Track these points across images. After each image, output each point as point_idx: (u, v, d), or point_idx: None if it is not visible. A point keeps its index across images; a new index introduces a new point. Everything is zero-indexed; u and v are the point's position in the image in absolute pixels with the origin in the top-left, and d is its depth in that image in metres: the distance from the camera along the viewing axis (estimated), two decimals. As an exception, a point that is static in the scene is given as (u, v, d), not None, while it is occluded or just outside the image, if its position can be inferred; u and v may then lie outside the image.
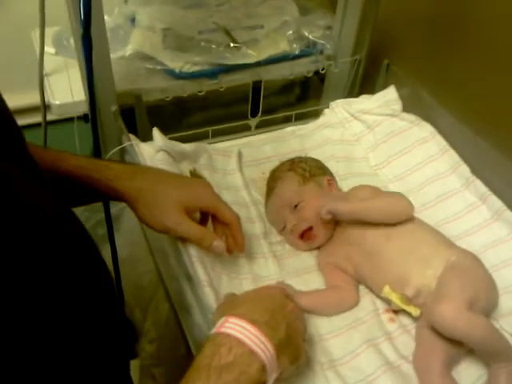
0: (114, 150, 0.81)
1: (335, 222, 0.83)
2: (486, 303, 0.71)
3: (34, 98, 1.11)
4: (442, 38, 1.02)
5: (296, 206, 0.82)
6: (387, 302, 0.76)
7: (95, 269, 0.49)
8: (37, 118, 1.15)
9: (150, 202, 0.66)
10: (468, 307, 0.65)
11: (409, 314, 0.74)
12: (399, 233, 0.78)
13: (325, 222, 0.81)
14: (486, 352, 0.66)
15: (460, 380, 0.67)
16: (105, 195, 0.69)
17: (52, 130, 1.15)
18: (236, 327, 0.53)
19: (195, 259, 0.71)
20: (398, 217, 0.79)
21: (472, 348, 0.67)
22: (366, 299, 0.79)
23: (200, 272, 0.70)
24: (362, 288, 0.80)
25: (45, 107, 1.07)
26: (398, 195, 0.83)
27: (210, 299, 0.68)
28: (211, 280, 0.71)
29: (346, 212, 0.79)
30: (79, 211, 1.01)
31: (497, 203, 0.87)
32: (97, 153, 0.83)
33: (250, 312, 0.55)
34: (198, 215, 0.76)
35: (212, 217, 0.74)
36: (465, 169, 0.93)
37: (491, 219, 0.87)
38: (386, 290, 0.74)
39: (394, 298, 0.73)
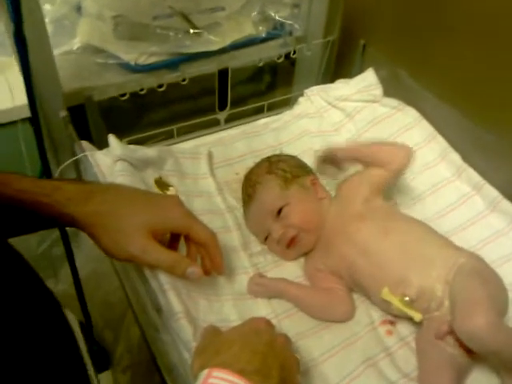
0: (65, 164, 0.71)
1: (323, 221, 0.75)
2: (504, 308, 0.65)
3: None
4: (422, 14, 0.93)
5: (279, 212, 0.74)
6: (385, 306, 0.69)
7: (38, 300, 0.44)
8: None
9: (110, 227, 0.57)
10: (501, 317, 0.59)
11: (409, 321, 0.68)
12: (398, 228, 0.71)
13: (312, 227, 0.74)
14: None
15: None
16: (58, 222, 0.58)
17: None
18: (222, 383, 0.44)
19: (167, 287, 0.61)
20: (400, 156, 0.74)
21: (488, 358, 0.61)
22: (361, 310, 0.72)
23: (174, 302, 0.61)
24: (355, 298, 0.73)
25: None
26: None
27: (188, 333, 0.59)
28: (187, 309, 0.62)
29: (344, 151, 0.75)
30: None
31: (492, 192, 0.80)
32: (44, 165, 0.72)
33: (237, 359, 0.47)
34: (167, 235, 0.67)
35: (185, 236, 0.64)
36: (455, 156, 0.86)
37: (487, 210, 0.80)
38: (386, 292, 0.67)
39: (395, 301, 0.66)
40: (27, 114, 0.87)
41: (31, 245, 0.89)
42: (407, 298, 0.65)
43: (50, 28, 1.04)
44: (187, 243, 0.65)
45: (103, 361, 0.95)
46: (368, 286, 0.70)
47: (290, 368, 0.51)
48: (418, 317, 0.65)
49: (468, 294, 0.62)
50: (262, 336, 0.52)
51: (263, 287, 0.70)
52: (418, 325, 0.68)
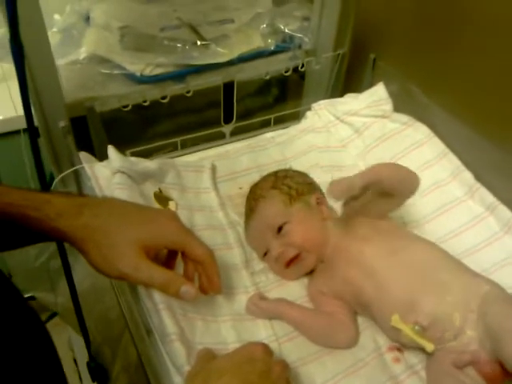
0: (60, 176, 0.69)
1: (327, 242, 0.72)
2: None
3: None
4: (434, 28, 0.91)
5: (280, 230, 0.71)
6: (394, 334, 0.65)
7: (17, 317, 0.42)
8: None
9: (100, 243, 0.54)
10: None
11: (421, 350, 0.64)
12: (406, 248, 0.68)
13: (313, 248, 0.71)
14: None
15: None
16: (48, 236, 0.56)
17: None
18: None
19: (162, 306, 0.59)
20: (410, 182, 0.69)
21: None
22: (366, 335, 0.68)
23: (167, 322, 0.58)
24: (361, 322, 0.69)
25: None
26: None
27: (181, 356, 0.56)
28: (182, 331, 0.59)
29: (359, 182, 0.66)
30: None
31: (506, 213, 0.77)
32: (40, 176, 0.70)
33: None
34: (164, 252, 0.64)
35: (182, 253, 0.62)
36: (467, 175, 0.82)
37: (501, 232, 0.77)
38: (396, 319, 0.63)
39: (406, 330, 0.62)
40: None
41: (29, 257, 0.87)
42: (418, 327, 0.61)
43: (57, 37, 1.05)
44: (184, 261, 0.62)
45: (101, 377, 0.92)
46: (375, 312, 0.66)
47: None
48: (430, 347, 0.61)
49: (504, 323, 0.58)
50: (255, 365, 0.49)
51: (262, 309, 0.67)
52: (428, 353, 0.64)
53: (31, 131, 0.69)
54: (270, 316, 0.68)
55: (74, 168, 0.69)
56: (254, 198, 0.76)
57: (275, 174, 0.79)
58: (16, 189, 0.56)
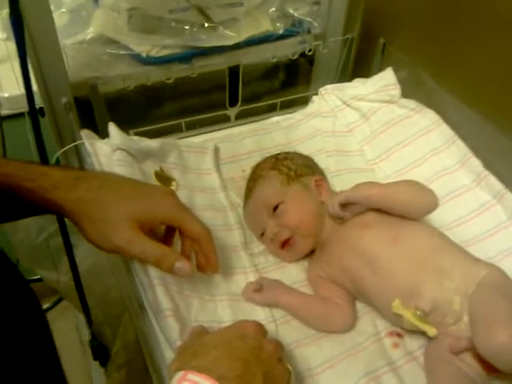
0: (59, 152, 0.68)
1: (324, 226, 0.70)
2: None
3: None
4: (445, 13, 0.88)
5: (275, 209, 0.70)
6: (395, 320, 0.64)
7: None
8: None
9: (95, 216, 0.54)
10: None
11: (418, 334, 0.63)
12: (407, 235, 0.66)
13: (308, 230, 0.70)
14: None
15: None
16: (43, 208, 0.56)
17: (7, 126, 1.02)
18: (196, 387, 0.40)
19: (156, 282, 0.58)
20: (424, 207, 0.67)
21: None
22: (365, 320, 0.67)
23: (162, 298, 0.57)
24: (360, 307, 0.68)
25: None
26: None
27: (174, 332, 0.55)
28: (177, 307, 0.59)
29: (364, 199, 0.66)
30: (33, 219, 0.89)
31: (515, 202, 0.75)
32: (42, 155, 0.70)
33: (216, 364, 0.43)
34: (162, 228, 0.63)
35: (179, 230, 0.61)
36: (476, 162, 0.80)
37: (508, 221, 0.75)
38: (397, 305, 0.62)
39: (407, 315, 0.61)
40: (37, 102, 0.86)
41: (32, 234, 0.87)
42: (420, 312, 0.60)
43: (66, 18, 1.04)
44: (182, 238, 0.62)
45: (103, 356, 0.93)
46: (375, 299, 0.65)
47: (277, 378, 0.48)
48: (432, 332, 0.60)
49: (490, 309, 0.57)
50: (247, 341, 0.48)
51: (257, 302, 0.66)
52: (427, 339, 0.63)
53: (31, 109, 0.69)
54: (266, 305, 0.67)
55: (74, 144, 0.69)
56: (253, 178, 0.76)
57: (276, 156, 0.78)
58: (14, 160, 0.56)
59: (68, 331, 1.45)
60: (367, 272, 0.64)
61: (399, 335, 0.65)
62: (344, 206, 0.67)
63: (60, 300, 1.46)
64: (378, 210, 0.68)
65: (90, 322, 0.94)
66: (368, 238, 0.66)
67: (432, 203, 0.67)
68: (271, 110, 0.99)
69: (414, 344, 0.64)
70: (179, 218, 0.58)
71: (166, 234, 0.63)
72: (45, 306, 1.44)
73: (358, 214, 0.68)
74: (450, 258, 0.63)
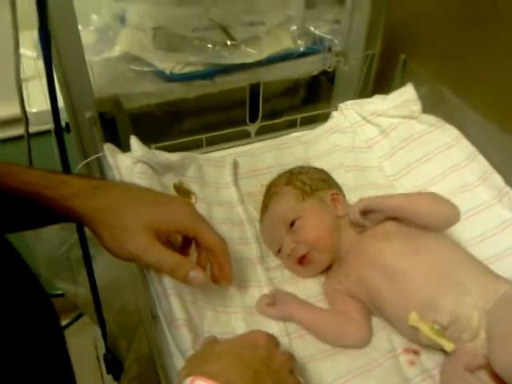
0: (83, 162, 0.70)
1: (341, 240, 0.70)
2: None
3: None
4: (466, 30, 0.88)
5: (292, 225, 0.70)
6: (412, 334, 0.63)
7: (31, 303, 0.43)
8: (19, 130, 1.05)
9: (112, 224, 0.55)
10: None
11: (435, 352, 0.62)
12: (428, 248, 0.65)
13: (325, 246, 0.69)
14: None
15: None
16: (62, 216, 0.57)
17: (34, 143, 1.05)
18: (203, 393, 0.40)
19: (171, 292, 0.59)
20: (446, 220, 0.67)
21: None
22: (381, 336, 0.66)
23: (176, 308, 0.58)
24: (376, 323, 0.67)
25: (26, 118, 0.97)
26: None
27: (187, 342, 0.56)
28: (191, 318, 0.59)
29: (387, 206, 0.67)
30: (55, 231, 0.91)
31: (536, 219, 0.73)
32: (65, 169, 0.72)
33: (226, 371, 0.44)
34: (179, 239, 0.64)
35: (195, 241, 0.62)
36: (497, 178, 0.79)
37: (530, 238, 0.73)
38: (414, 318, 0.61)
39: (424, 328, 0.60)
40: (64, 117, 0.89)
41: (53, 246, 0.89)
42: (437, 326, 0.59)
43: (94, 36, 1.08)
44: (198, 249, 0.62)
45: (116, 369, 0.93)
46: (392, 312, 0.64)
47: None
48: (450, 347, 0.59)
49: (508, 326, 0.56)
50: (258, 351, 0.48)
51: (270, 316, 0.66)
52: (444, 356, 0.62)
53: (56, 122, 0.71)
54: (280, 318, 0.66)
55: (97, 156, 0.71)
56: (268, 194, 0.76)
57: (291, 171, 0.79)
58: (35, 169, 0.58)
59: (86, 347, 1.47)
60: (385, 284, 0.64)
61: (416, 352, 0.64)
62: (364, 214, 0.67)
63: (80, 316, 1.48)
64: (398, 221, 0.68)
65: (105, 335, 0.95)
66: (388, 250, 0.66)
67: (454, 215, 0.67)
68: (291, 126, 0.99)
69: (430, 362, 0.63)
70: (195, 227, 0.58)
71: (183, 244, 0.64)
72: (65, 322, 1.46)
73: (377, 223, 0.68)
74: (469, 272, 0.62)
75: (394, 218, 0.68)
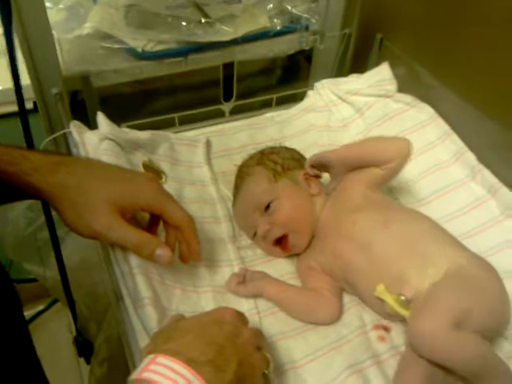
0: (48, 139, 0.68)
1: (314, 220, 0.69)
2: (488, 323, 0.58)
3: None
4: (443, 9, 0.87)
5: (267, 208, 0.69)
6: (378, 306, 0.63)
7: None
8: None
9: (74, 201, 0.53)
10: (455, 325, 0.52)
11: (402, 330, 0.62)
12: (399, 219, 0.65)
13: (301, 227, 0.69)
14: (474, 380, 0.53)
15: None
16: (23, 193, 0.55)
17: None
18: (164, 370, 0.39)
19: (137, 271, 0.57)
20: (398, 148, 0.68)
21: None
22: (352, 313, 0.66)
23: (141, 287, 0.56)
24: (348, 301, 0.67)
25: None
26: None
27: (152, 320, 0.54)
28: (157, 297, 0.58)
29: (335, 157, 0.69)
30: (21, 211, 0.89)
31: (508, 196, 0.73)
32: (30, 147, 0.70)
33: (189, 347, 0.43)
34: (147, 217, 0.63)
35: (162, 219, 0.60)
36: (470, 156, 0.79)
37: (502, 216, 0.73)
38: (380, 289, 0.61)
39: (389, 299, 0.60)
40: (29, 95, 0.86)
41: (19, 228, 0.87)
42: (403, 298, 0.59)
43: (64, 14, 1.05)
44: (165, 227, 0.61)
45: (88, 352, 0.92)
46: (363, 285, 0.64)
47: (252, 366, 0.46)
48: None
49: (433, 297, 0.56)
50: (223, 327, 0.47)
51: (241, 294, 0.65)
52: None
53: (19, 98, 0.69)
54: (251, 296, 0.66)
55: (61, 132, 0.69)
56: (240, 176, 0.75)
57: (262, 151, 0.78)
58: (2, 144, 0.56)
59: (63, 332, 1.45)
60: (358, 257, 0.64)
61: (386, 329, 0.64)
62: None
63: (56, 301, 1.45)
64: (368, 193, 0.68)
65: (75, 317, 0.93)
66: (361, 221, 0.66)
67: (403, 145, 0.68)
68: (267, 106, 0.98)
69: (400, 339, 0.63)
70: (160, 204, 0.57)
71: (150, 223, 0.63)
72: (41, 307, 1.44)
73: (339, 179, 0.70)
74: (437, 244, 0.62)
75: (366, 189, 0.68)
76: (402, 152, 0.67)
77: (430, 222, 0.66)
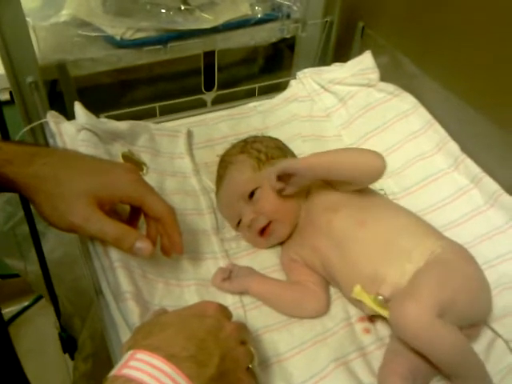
0: (24, 130, 0.66)
1: (298, 210, 0.68)
2: (470, 310, 0.58)
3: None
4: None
5: (251, 196, 0.68)
6: (358, 305, 0.63)
7: None
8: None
9: (51, 193, 0.51)
10: (439, 312, 0.52)
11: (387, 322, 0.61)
12: (376, 217, 0.65)
13: (285, 216, 0.67)
14: (450, 373, 0.54)
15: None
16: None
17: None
18: (144, 366, 0.38)
19: (118, 264, 0.56)
20: (368, 170, 0.64)
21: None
22: (337, 305, 0.66)
23: (122, 281, 0.55)
24: (332, 293, 0.67)
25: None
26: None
27: (134, 316, 0.53)
28: (139, 291, 0.56)
29: (301, 168, 0.63)
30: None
31: (492, 186, 0.73)
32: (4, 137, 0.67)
33: (169, 342, 0.41)
34: (127, 209, 0.61)
35: (142, 211, 0.59)
36: (453, 146, 0.79)
37: (485, 205, 0.73)
38: (357, 291, 0.60)
39: (367, 300, 0.59)
40: (4, 84, 0.83)
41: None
42: (381, 297, 0.59)
43: (40, 1, 1.01)
44: (146, 220, 0.59)
45: (72, 348, 0.90)
46: (342, 283, 0.63)
47: (236, 360, 0.45)
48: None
49: (414, 282, 0.56)
50: (205, 321, 0.46)
51: (226, 290, 0.64)
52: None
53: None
54: (237, 293, 0.64)
55: (37, 122, 0.66)
56: (223, 165, 0.73)
57: (245, 140, 0.76)
58: None
59: (49, 327, 1.42)
60: (335, 255, 0.63)
61: (371, 320, 0.64)
62: (286, 179, 0.65)
63: (41, 297, 1.42)
64: (347, 193, 0.66)
65: (58, 312, 0.91)
66: (337, 221, 0.65)
67: (377, 165, 0.63)
68: (250, 95, 0.96)
69: (386, 330, 0.63)
70: (140, 195, 0.55)
71: (131, 215, 0.61)
72: (25, 304, 1.41)
73: (302, 187, 0.66)
74: (413, 237, 0.62)
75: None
76: (373, 175, 0.64)
77: (408, 217, 0.66)
